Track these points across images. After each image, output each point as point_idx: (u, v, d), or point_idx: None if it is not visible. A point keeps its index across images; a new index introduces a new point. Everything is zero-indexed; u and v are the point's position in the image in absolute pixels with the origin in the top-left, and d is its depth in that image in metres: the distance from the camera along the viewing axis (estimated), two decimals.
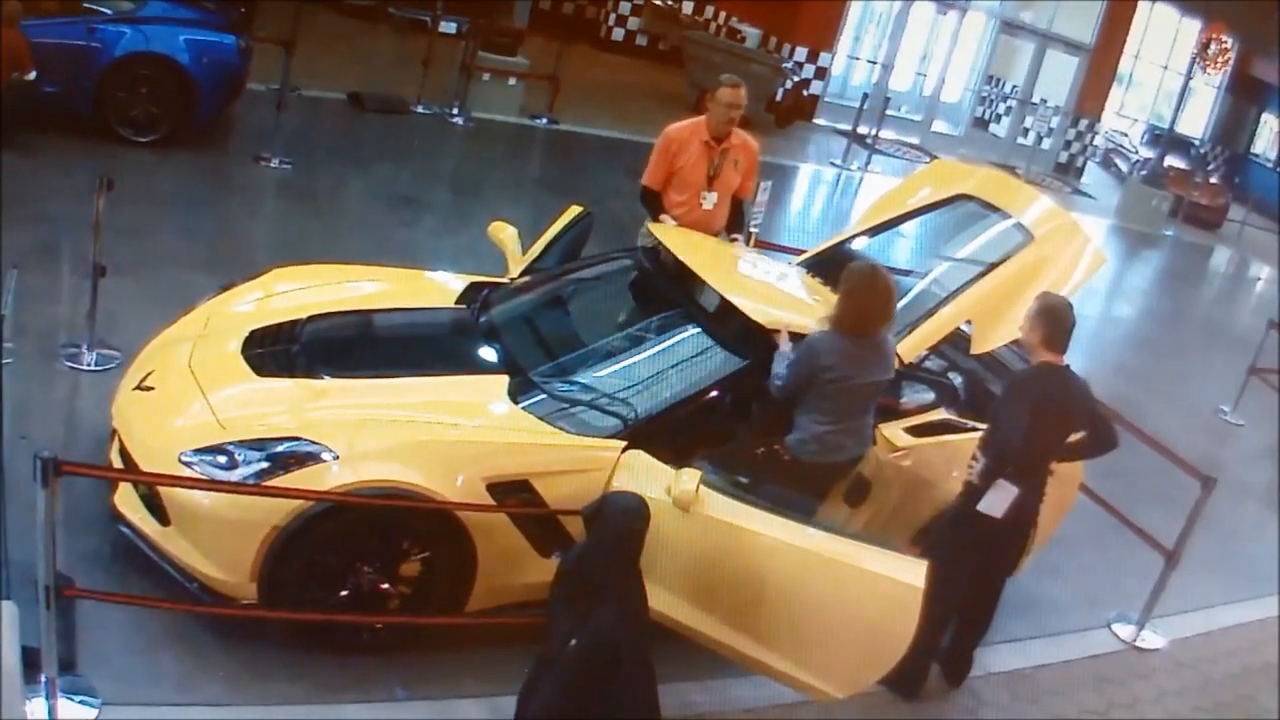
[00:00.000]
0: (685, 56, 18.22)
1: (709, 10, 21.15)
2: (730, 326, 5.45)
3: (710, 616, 4.60)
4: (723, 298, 5.47)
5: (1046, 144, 22.82)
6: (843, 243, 6.78)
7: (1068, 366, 5.08)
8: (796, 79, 19.01)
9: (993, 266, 5.83)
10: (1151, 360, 12.83)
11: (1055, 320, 5.00)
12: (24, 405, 5.43)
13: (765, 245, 7.79)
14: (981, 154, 20.47)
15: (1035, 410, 4.98)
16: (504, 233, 6.40)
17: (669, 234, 6.27)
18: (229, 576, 4.44)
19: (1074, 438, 5.27)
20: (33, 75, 8.36)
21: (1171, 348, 13.74)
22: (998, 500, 5.01)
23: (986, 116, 23.95)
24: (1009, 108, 23.62)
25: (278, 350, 5.20)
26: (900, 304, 5.34)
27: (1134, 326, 14.45)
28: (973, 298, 5.70)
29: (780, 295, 5.86)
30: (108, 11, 9.35)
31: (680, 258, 5.79)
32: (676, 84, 17.76)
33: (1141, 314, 15.30)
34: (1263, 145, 30.26)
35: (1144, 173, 22.12)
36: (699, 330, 5.49)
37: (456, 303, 5.92)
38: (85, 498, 4.76)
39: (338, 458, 4.46)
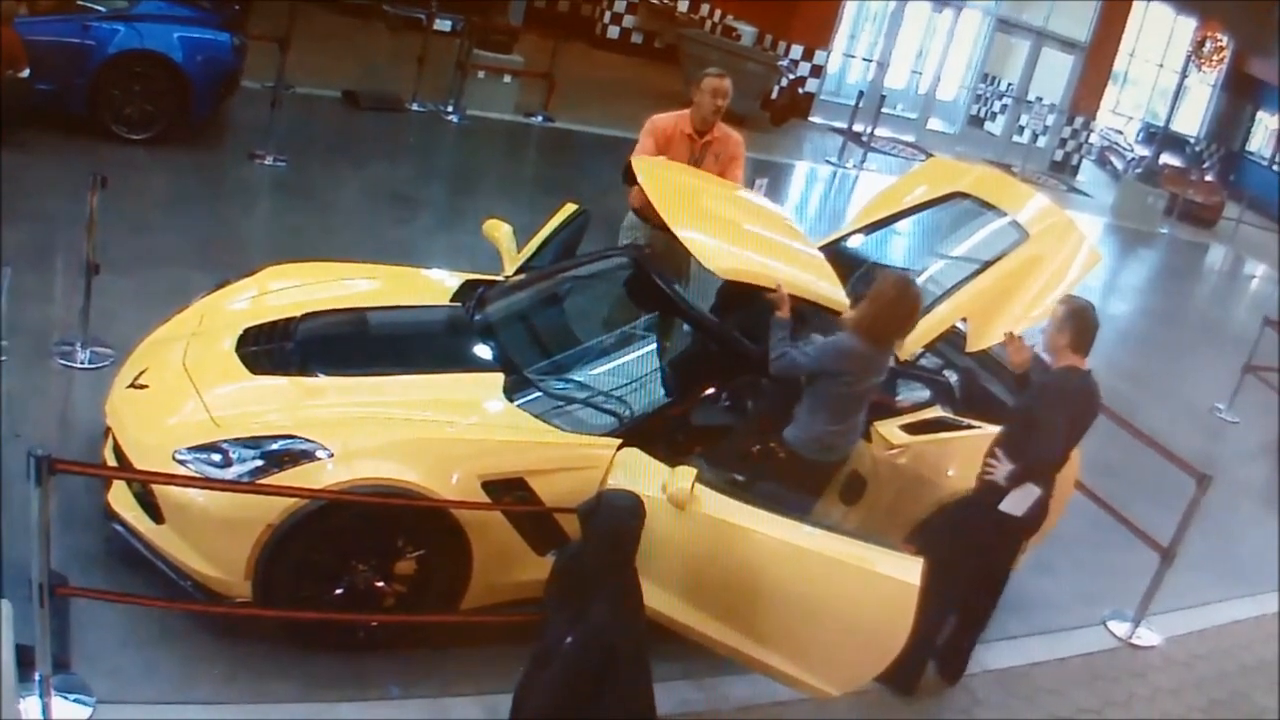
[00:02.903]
0: (681, 54, 18.21)
1: (704, 8, 21.14)
2: (725, 321, 5.44)
3: (705, 614, 4.60)
4: (678, 237, 5.33)
5: (1042, 142, 22.85)
6: (839, 240, 6.78)
7: (1090, 371, 5.10)
8: (792, 77, 19.02)
9: (988, 264, 5.85)
10: (1147, 358, 12.83)
11: (1083, 323, 5.02)
12: (18, 403, 5.43)
13: None
14: (977, 152, 20.47)
15: (1069, 415, 5.02)
16: (499, 230, 6.38)
17: (648, 166, 6.12)
18: (223, 574, 4.43)
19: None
20: (27, 73, 8.34)
21: (1167, 345, 13.76)
22: (1020, 500, 5.05)
23: (982, 114, 23.97)
24: (1005, 106, 23.65)
25: (272, 348, 5.19)
26: None
27: (1129, 324, 14.44)
28: (968, 295, 5.71)
29: (766, 245, 5.71)
30: (102, 9, 9.31)
31: (647, 190, 5.71)
32: (672, 82, 17.72)
33: (1137, 312, 15.30)
34: (1258, 143, 30.29)
35: (1139, 171, 22.12)
36: (694, 327, 5.48)
37: (451, 300, 5.90)
38: (79, 496, 4.76)
39: (332, 456, 4.46)
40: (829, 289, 5.43)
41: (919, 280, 6.07)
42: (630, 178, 6.25)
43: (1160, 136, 22.41)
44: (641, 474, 4.62)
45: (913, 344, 5.56)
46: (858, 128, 17.88)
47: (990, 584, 5.49)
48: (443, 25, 14.88)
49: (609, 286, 6.12)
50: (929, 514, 5.58)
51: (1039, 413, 5.07)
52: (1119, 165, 24.94)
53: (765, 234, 5.84)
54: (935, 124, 22.24)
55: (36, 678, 3.85)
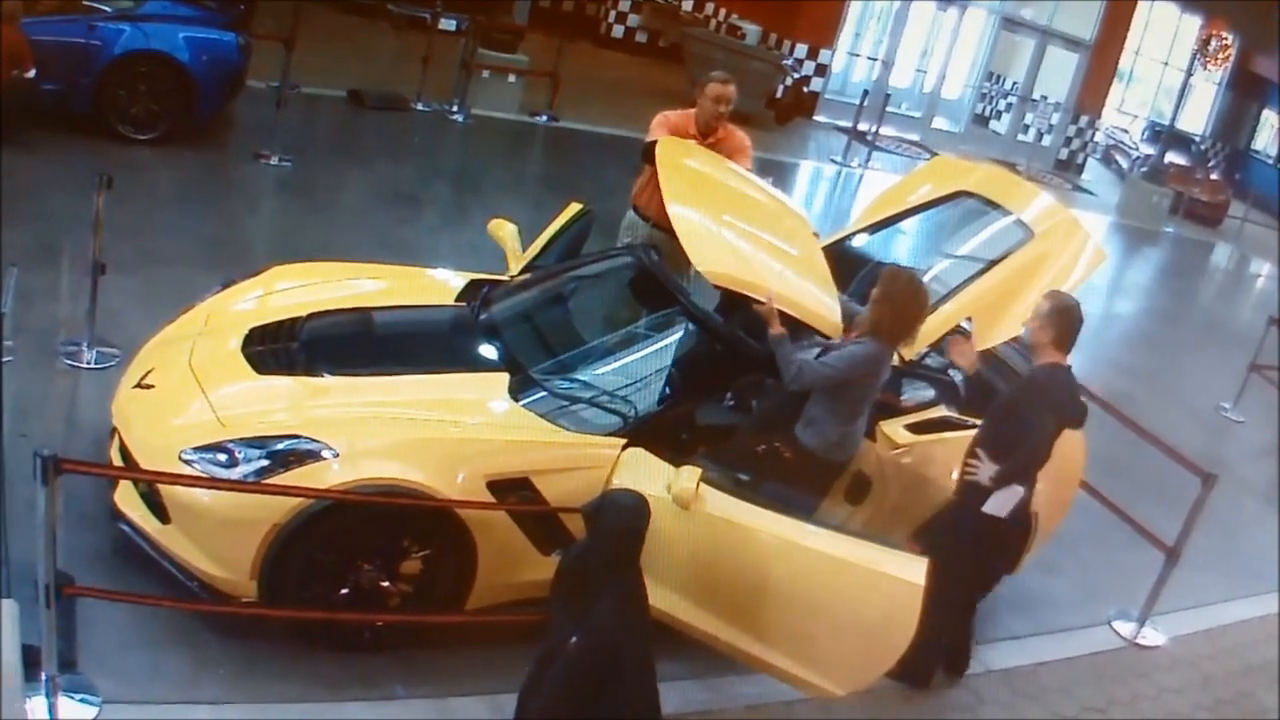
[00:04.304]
0: (685, 53, 18.21)
1: (709, 7, 21.14)
2: (729, 321, 5.42)
3: (711, 614, 4.61)
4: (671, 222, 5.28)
5: (1047, 140, 22.83)
6: (844, 239, 6.77)
7: (1070, 367, 5.09)
8: (797, 76, 19.00)
9: (993, 263, 5.84)
10: (1152, 357, 12.82)
11: (1069, 321, 5.01)
12: (24, 403, 5.44)
13: None
14: (982, 151, 20.42)
15: (1056, 413, 5.01)
16: (504, 230, 6.38)
17: (670, 147, 6.06)
18: (229, 574, 4.44)
19: None
20: (32, 73, 8.37)
21: (1172, 344, 13.74)
22: (1004, 501, 5.03)
23: (987, 113, 23.94)
24: (1009, 104, 23.61)
25: (278, 348, 5.19)
26: None
27: (1134, 323, 14.44)
28: (973, 294, 5.70)
29: (768, 250, 5.61)
30: (107, 9, 9.33)
31: (660, 170, 5.68)
32: (677, 81, 17.73)
33: (1142, 311, 15.29)
34: (1263, 141, 30.29)
35: (1144, 169, 22.11)
36: (699, 326, 5.48)
37: (456, 300, 5.91)
38: (85, 496, 4.77)
39: (338, 455, 4.46)
40: (822, 308, 5.32)
41: (926, 279, 6.08)
42: (649, 158, 6.21)
43: (1165, 135, 22.37)
44: (646, 474, 4.61)
45: (919, 343, 5.54)
46: (862, 126, 17.85)
47: (982, 580, 5.50)
48: (448, 25, 14.88)
49: (614, 286, 6.12)
50: (934, 513, 5.58)
51: (1025, 411, 5.03)
52: (1124, 164, 24.92)
53: (770, 238, 5.76)
54: (940, 123, 22.22)
55: (43, 678, 3.86)
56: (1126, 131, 27.17)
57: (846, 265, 6.33)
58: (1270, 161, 29.04)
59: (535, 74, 14.44)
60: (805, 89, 19.41)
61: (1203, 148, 27.45)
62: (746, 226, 5.73)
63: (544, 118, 14.30)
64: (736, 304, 5.89)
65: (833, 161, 17.28)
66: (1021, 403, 5.09)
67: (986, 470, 5.00)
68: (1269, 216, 23.60)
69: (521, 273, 6.17)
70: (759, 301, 5.08)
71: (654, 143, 6.17)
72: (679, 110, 6.77)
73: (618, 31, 21.15)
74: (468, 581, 4.70)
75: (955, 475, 5.49)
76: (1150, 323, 14.78)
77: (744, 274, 5.24)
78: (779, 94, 18.42)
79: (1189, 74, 22.84)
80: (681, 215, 5.32)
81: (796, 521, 4.51)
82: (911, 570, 4.31)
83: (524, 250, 6.32)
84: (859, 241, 6.76)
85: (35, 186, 7.99)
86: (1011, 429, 5.03)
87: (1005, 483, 4.99)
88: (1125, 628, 6.55)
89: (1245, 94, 29.16)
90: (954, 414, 5.84)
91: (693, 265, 5.59)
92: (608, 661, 3.84)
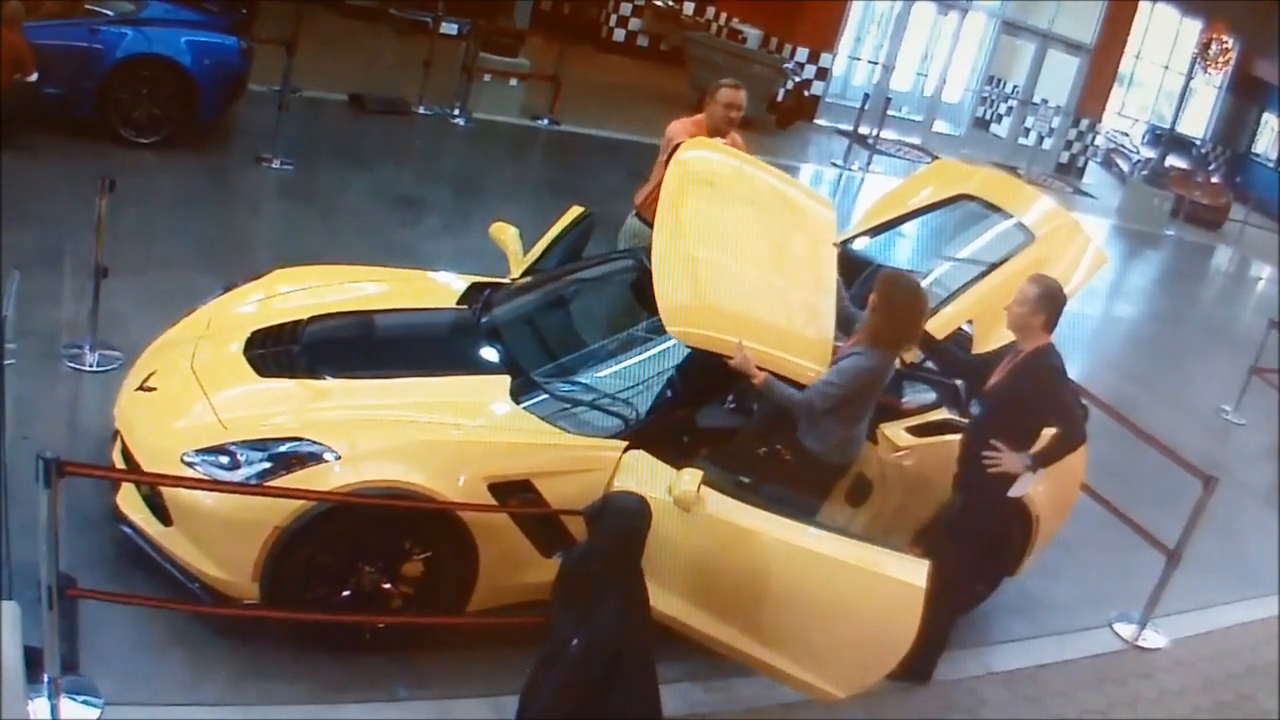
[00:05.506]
0: (687, 57, 18.25)
1: (710, 11, 21.17)
2: None
3: (712, 616, 4.61)
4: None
5: (1048, 144, 22.83)
6: (844, 243, 6.77)
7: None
8: (797, 79, 19.03)
9: (994, 266, 5.84)
10: (1153, 360, 12.83)
11: (1058, 304, 5.05)
12: (27, 406, 5.43)
13: None
14: (983, 154, 20.47)
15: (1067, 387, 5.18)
16: (505, 233, 6.39)
17: (695, 151, 5.96)
18: (231, 576, 4.45)
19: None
20: (35, 77, 8.40)
21: (1173, 347, 13.74)
22: (1025, 483, 5.11)
23: (988, 117, 23.95)
24: (1010, 108, 23.63)
25: (280, 351, 5.20)
26: None
27: (1135, 326, 14.44)
28: (974, 297, 5.70)
29: (760, 299, 5.43)
30: (109, 13, 9.37)
31: (667, 180, 5.54)
32: (678, 85, 17.77)
33: (1143, 314, 15.30)
34: (1264, 145, 30.28)
35: (1145, 173, 22.11)
36: None
37: (458, 303, 5.93)
38: (88, 498, 4.77)
39: (340, 458, 4.47)
40: (802, 363, 5.10)
41: (925, 283, 6.09)
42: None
43: (1166, 138, 22.40)
44: (647, 476, 4.63)
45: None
46: (863, 130, 17.85)
47: (984, 581, 5.56)
48: (449, 28, 14.93)
49: (615, 289, 6.13)
50: (936, 515, 5.58)
51: (1043, 394, 5.07)
52: (1125, 167, 24.92)
53: (773, 268, 5.59)
54: (940, 126, 22.23)
55: (45, 679, 3.86)
56: (1127, 135, 27.17)
57: (848, 269, 6.33)
58: (1271, 165, 29.03)
59: (536, 78, 14.46)
60: (806, 93, 19.45)
61: (1203, 151, 27.44)
62: (749, 255, 5.55)
63: (545, 121, 14.31)
64: None
65: (833, 165, 17.28)
66: (1033, 387, 5.08)
67: (1016, 459, 5.01)
68: (1269, 220, 23.59)
69: (523, 276, 6.18)
70: (729, 358, 4.90)
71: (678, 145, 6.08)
72: (690, 117, 6.79)
73: (619, 35, 21.19)
74: (469, 584, 4.71)
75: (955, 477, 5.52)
76: (1151, 326, 14.78)
77: (716, 330, 5.00)
78: (780, 97, 18.44)
79: (1189, 77, 22.86)
80: (662, 258, 5.11)
81: (798, 524, 4.51)
82: (912, 573, 4.32)
83: (525, 253, 6.33)
84: (860, 245, 6.76)
85: (38, 190, 8.00)
86: (1028, 415, 5.07)
87: (1051, 462, 5.06)
88: (1126, 630, 6.55)
89: (1246, 97, 29.17)
90: (955, 417, 5.85)
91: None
92: (609, 663, 3.85)
